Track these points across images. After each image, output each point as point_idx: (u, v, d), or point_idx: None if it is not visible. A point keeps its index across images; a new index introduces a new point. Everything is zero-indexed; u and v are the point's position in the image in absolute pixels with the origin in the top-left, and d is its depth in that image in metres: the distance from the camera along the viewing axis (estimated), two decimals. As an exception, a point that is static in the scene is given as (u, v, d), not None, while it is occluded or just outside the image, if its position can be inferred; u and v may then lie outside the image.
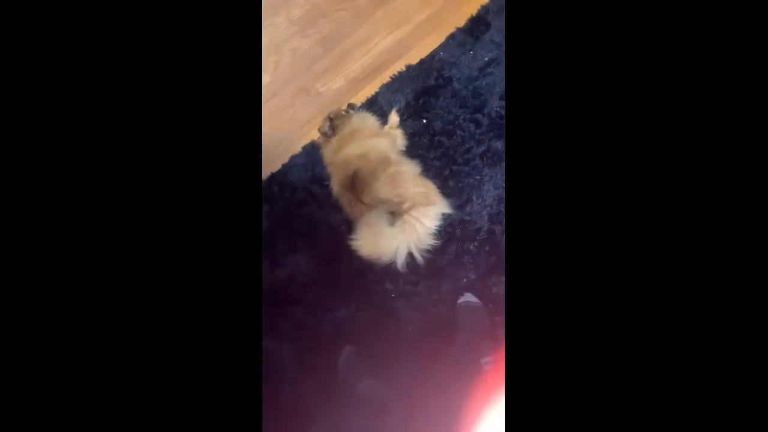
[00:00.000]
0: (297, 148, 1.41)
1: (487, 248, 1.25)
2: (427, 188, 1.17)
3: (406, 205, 1.11)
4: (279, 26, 1.49)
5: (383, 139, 1.26)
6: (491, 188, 1.29)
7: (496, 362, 1.12)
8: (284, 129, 1.44)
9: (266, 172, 1.39)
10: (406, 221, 1.11)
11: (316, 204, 1.35)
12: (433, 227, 1.14)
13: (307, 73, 1.47)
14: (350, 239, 1.15)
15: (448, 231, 1.24)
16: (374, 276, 1.27)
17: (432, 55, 1.42)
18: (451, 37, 1.43)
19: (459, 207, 1.27)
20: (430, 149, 1.34)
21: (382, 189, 1.12)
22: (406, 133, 1.34)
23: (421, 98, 1.38)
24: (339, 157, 1.22)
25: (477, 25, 1.41)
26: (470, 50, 1.40)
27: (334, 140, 1.26)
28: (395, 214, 1.13)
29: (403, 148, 1.32)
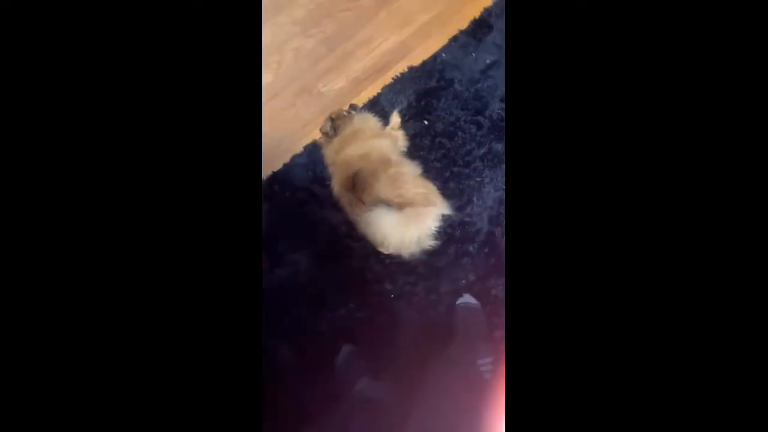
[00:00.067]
0: (298, 148, 1.41)
1: (486, 250, 1.25)
2: (428, 189, 1.17)
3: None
4: (282, 26, 1.49)
5: (384, 140, 1.26)
6: (491, 190, 1.29)
7: (493, 363, 1.12)
8: (286, 128, 1.44)
9: (267, 171, 1.39)
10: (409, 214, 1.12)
11: (316, 204, 1.35)
12: (433, 228, 1.14)
13: (309, 73, 1.47)
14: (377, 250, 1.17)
15: (447, 232, 1.24)
16: (373, 276, 1.27)
17: (434, 57, 1.42)
18: (454, 39, 1.43)
19: (459, 208, 1.27)
20: (431, 150, 1.34)
21: (383, 190, 1.13)
22: (407, 134, 1.34)
23: (423, 100, 1.39)
24: (340, 157, 1.23)
25: (479, 27, 1.42)
26: (472, 52, 1.40)
27: (336, 140, 1.27)
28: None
29: (405, 149, 1.32)
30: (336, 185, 1.22)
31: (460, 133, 1.34)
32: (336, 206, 1.25)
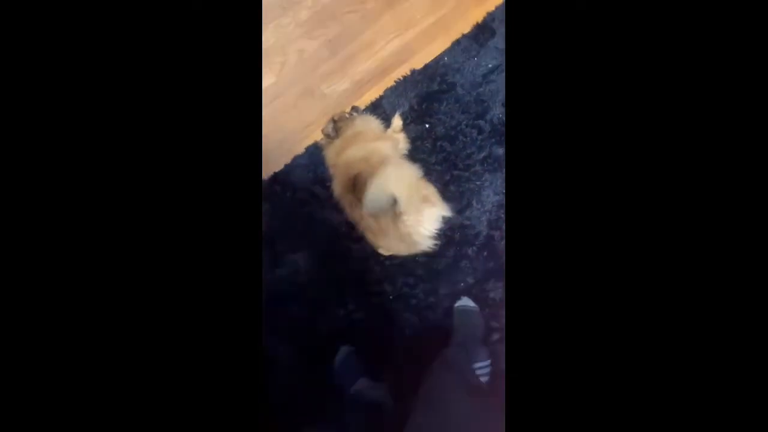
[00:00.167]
0: (300, 149, 1.42)
1: (485, 253, 1.26)
2: (428, 192, 1.18)
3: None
4: (286, 27, 1.50)
5: (386, 143, 1.26)
6: (491, 194, 1.30)
7: (491, 366, 1.13)
8: (288, 129, 1.45)
9: (268, 171, 1.40)
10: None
11: (317, 204, 1.36)
12: (433, 230, 1.15)
13: (312, 75, 1.48)
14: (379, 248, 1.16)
15: (447, 235, 1.24)
16: (373, 277, 1.28)
17: (437, 61, 1.43)
18: (457, 43, 1.43)
19: (459, 211, 1.27)
20: (432, 154, 1.34)
21: (383, 192, 1.13)
22: (408, 137, 1.35)
23: (425, 103, 1.39)
24: (341, 158, 1.23)
25: (482, 32, 1.42)
26: (475, 57, 1.41)
27: (337, 142, 1.27)
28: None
29: (406, 152, 1.32)
30: (337, 186, 1.23)
31: (461, 137, 1.34)
32: (336, 207, 1.25)
